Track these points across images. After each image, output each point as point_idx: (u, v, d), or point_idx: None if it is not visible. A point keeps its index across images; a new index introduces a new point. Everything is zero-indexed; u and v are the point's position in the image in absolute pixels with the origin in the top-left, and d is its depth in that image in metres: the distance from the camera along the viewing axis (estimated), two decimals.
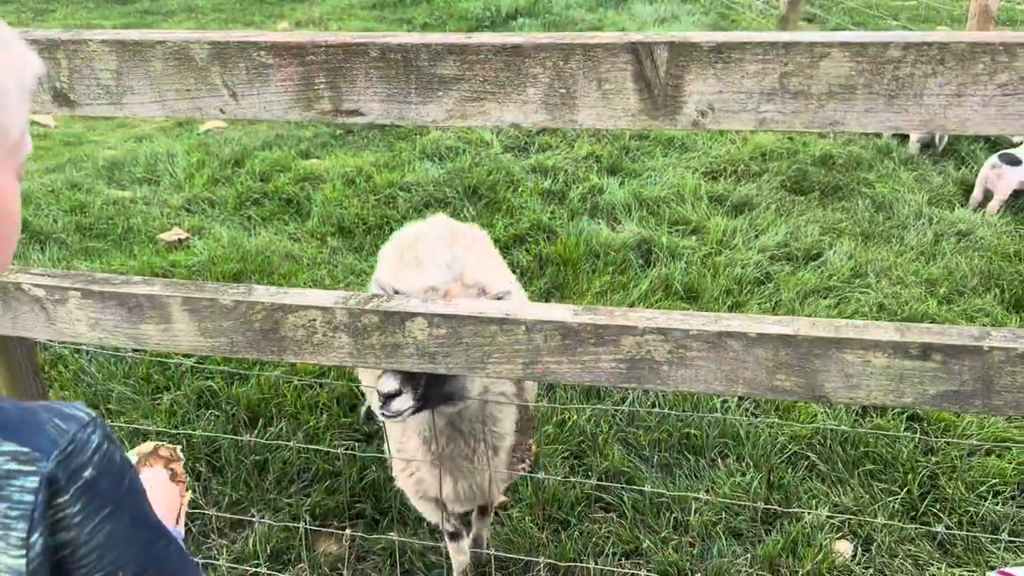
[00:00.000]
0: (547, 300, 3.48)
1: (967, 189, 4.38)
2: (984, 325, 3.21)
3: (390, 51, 1.20)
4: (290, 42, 1.22)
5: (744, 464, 2.60)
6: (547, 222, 3.99)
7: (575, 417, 2.75)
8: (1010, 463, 2.54)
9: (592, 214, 4.14)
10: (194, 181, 4.48)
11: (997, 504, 2.42)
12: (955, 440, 2.62)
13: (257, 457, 2.61)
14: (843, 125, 1.13)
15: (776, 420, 2.73)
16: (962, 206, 4.21)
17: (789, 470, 2.57)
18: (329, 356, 1.47)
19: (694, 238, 3.88)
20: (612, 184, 4.38)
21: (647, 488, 2.40)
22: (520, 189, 4.32)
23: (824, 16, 7.35)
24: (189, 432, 2.68)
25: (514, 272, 3.66)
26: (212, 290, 1.48)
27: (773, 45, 1.10)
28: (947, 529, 2.35)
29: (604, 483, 2.49)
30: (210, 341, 1.51)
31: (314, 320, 1.44)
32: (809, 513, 2.40)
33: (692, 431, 2.68)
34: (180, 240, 3.88)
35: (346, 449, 2.57)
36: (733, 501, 2.42)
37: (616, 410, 2.77)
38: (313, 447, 2.54)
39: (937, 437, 2.63)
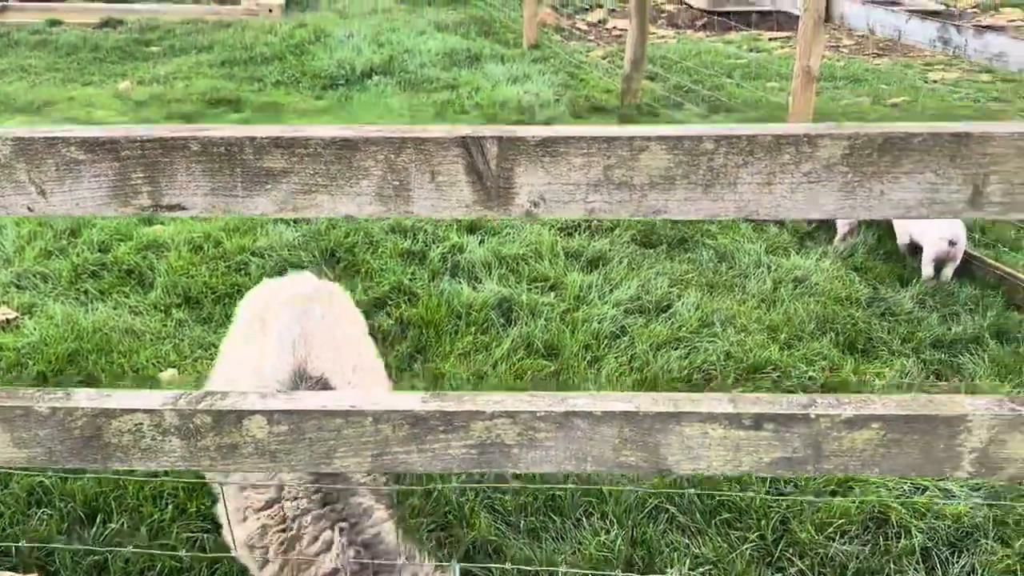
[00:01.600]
0: (410, 365, 3.43)
1: (801, 237, 4.69)
2: (822, 367, 3.42)
3: (212, 145, 1.16)
4: (103, 137, 1.16)
5: (608, 521, 2.62)
6: (408, 284, 3.96)
7: (441, 486, 2.70)
8: (853, 502, 2.69)
9: (453, 273, 4.15)
10: (24, 255, 4.17)
11: (844, 543, 2.55)
12: (800, 484, 2.76)
13: (96, 558, 2.40)
14: (666, 213, 1.17)
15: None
16: (797, 253, 4.50)
17: (651, 524, 2.62)
18: (159, 461, 1.37)
19: (552, 294, 3.95)
20: (472, 242, 4.41)
21: (508, 565, 2.38)
22: (380, 250, 4.27)
23: (665, 75, 7.78)
24: (17, 534, 2.44)
25: (375, 337, 3.60)
26: (26, 397, 1.36)
27: (596, 139, 1.14)
28: (800, 573, 2.45)
29: (469, 564, 2.45)
30: (25, 452, 1.38)
31: (141, 424, 1.35)
32: (670, 570, 2.44)
33: (557, 492, 2.69)
34: (8, 320, 3.58)
35: (193, 544, 2.41)
36: (597, 572, 2.43)
37: (481, 477, 2.74)
38: (154, 549, 2.37)
39: (784, 482, 2.75)
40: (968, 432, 1.29)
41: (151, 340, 3.51)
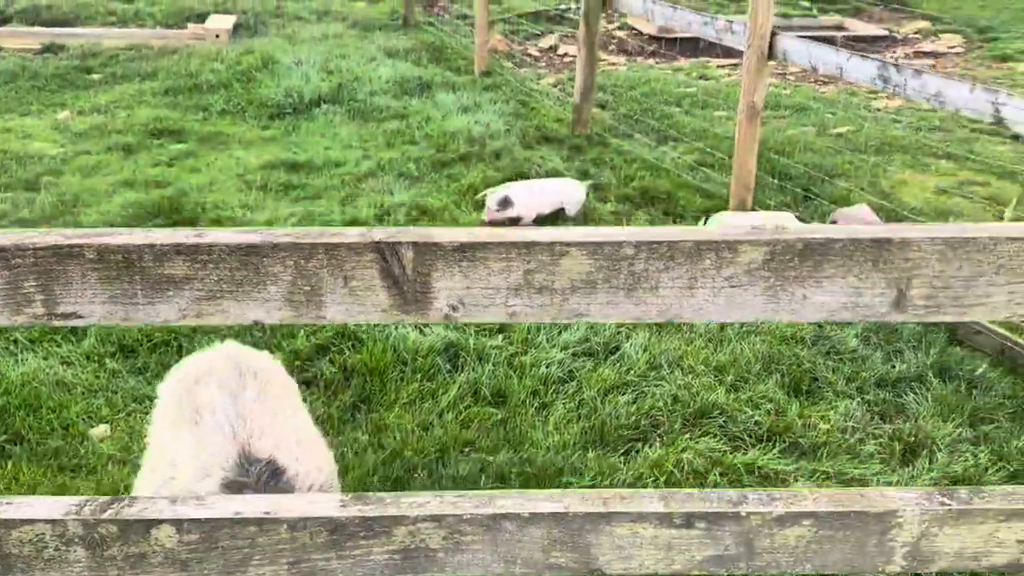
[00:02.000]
0: (353, 416, 3.36)
1: None
2: (768, 411, 3.42)
3: (109, 253, 1.09)
4: None
5: None
6: (352, 329, 3.89)
7: None
8: None
9: None
10: None
11: None
12: None
13: None
14: (588, 316, 1.14)
15: None
16: None
17: None
18: (63, 571, 1.29)
19: (500, 337, 3.91)
20: None
21: None
22: None
23: (615, 104, 7.83)
24: None
25: (318, 387, 3.52)
26: None
27: (515, 245, 1.10)
28: None
29: None
30: None
31: (43, 535, 1.27)
32: None
33: None
34: None
35: None
36: None
37: None
38: None
39: None
40: (899, 527, 1.27)
41: (82, 393, 3.38)
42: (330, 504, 1.29)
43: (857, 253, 1.10)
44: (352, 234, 1.11)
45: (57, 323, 1.13)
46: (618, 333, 3.97)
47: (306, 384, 3.52)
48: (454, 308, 1.14)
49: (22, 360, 3.59)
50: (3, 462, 2.97)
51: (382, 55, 9.13)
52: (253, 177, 5.86)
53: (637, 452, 3.12)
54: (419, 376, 3.55)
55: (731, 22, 5.41)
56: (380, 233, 1.11)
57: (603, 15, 6.80)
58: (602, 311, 1.13)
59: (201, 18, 11.05)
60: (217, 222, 5.11)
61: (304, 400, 3.38)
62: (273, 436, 2.01)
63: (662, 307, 1.13)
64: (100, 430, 3.22)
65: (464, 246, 1.10)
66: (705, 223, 5.41)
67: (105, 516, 1.26)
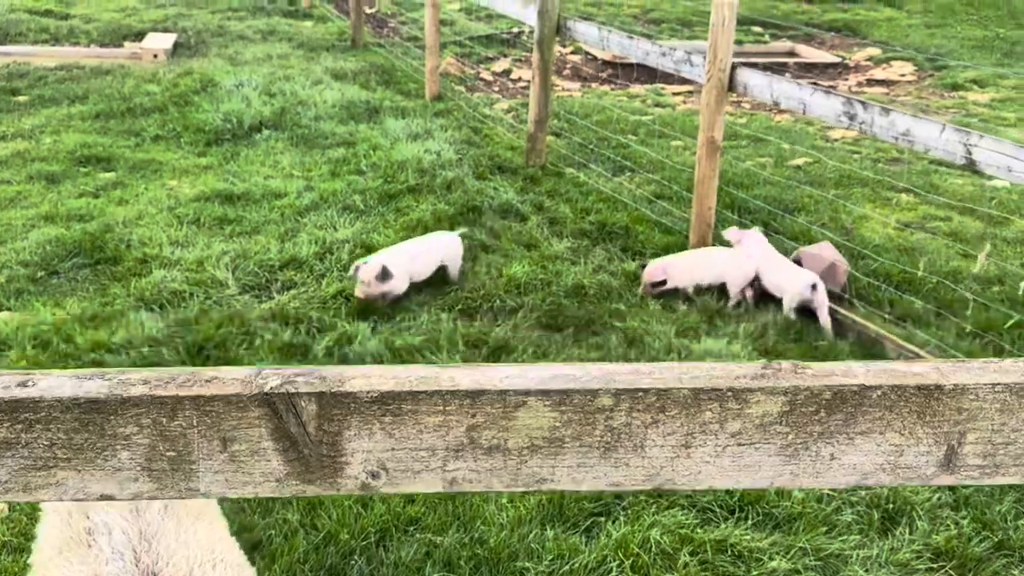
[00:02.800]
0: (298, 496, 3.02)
1: (710, 315, 4.52)
2: None
3: None
4: None
5: None
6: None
7: None
8: None
9: None
10: None
11: None
12: None
13: None
14: (553, 482, 0.87)
15: None
16: (708, 334, 4.31)
17: None
18: None
19: None
20: (363, 329, 4.05)
21: None
22: (255, 343, 3.86)
23: (570, 132, 7.63)
24: None
25: None
26: None
27: (455, 394, 0.83)
28: None
29: None
30: None
31: None
32: None
33: None
34: None
35: None
36: None
37: None
38: None
39: None
40: None
41: None
42: None
43: (900, 404, 0.85)
44: (233, 381, 0.82)
45: None
46: None
47: None
48: (374, 475, 0.86)
49: None
50: None
51: (329, 77, 8.82)
52: (185, 211, 5.49)
53: (600, 530, 2.85)
54: None
55: (689, 53, 5.24)
56: (272, 379, 0.83)
57: (557, 39, 6.60)
58: (571, 475, 0.87)
59: (139, 37, 10.61)
60: (143, 261, 4.74)
61: None
62: (184, 559, 1.70)
63: (649, 470, 0.87)
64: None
65: (386, 397, 0.82)
66: None
67: None
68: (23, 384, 0.81)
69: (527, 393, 0.83)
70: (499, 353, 3.95)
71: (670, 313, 4.46)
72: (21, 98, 8.08)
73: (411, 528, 2.85)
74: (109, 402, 0.80)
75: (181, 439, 0.82)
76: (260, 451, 0.84)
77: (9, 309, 4.20)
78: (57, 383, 0.81)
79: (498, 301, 4.42)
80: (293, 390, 0.82)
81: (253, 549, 2.71)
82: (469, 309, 4.35)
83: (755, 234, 4.90)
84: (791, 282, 4.52)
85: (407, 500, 2.96)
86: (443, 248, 4.64)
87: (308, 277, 4.65)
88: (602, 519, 2.91)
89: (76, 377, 0.82)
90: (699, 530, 2.84)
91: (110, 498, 0.85)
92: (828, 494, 3.08)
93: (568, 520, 2.90)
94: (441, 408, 0.83)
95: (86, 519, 1.76)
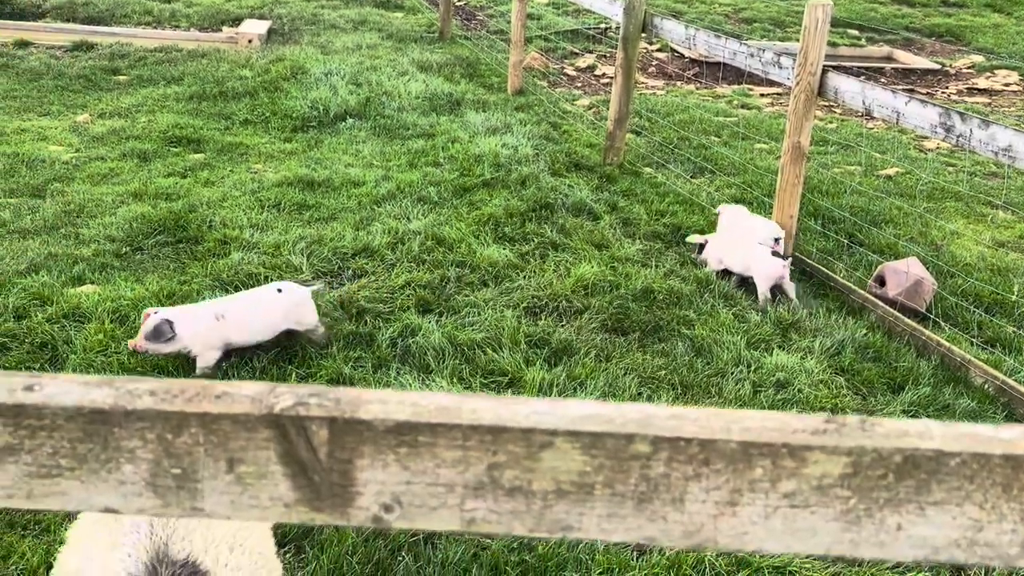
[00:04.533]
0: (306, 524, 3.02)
1: (784, 328, 4.34)
2: None
3: None
4: None
5: None
6: (349, 374, 3.57)
7: None
8: None
9: (403, 360, 3.76)
10: None
11: None
12: None
13: None
14: (580, 531, 0.79)
15: None
16: (780, 348, 4.14)
17: None
18: None
19: (510, 392, 3.56)
20: (428, 323, 4.03)
21: None
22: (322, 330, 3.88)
23: (650, 131, 7.47)
24: None
25: None
26: None
27: (476, 429, 0.76)
28: None
29: None
30: None
31: None
32: None
33: None
34: None
35: None
36: None
37: None
38: None
39: None
40: None
41: None
42: None
43: (982, 473, 0.74)
44: (243, 399, 0.77)
45: None
46: (639, 393, 3.61)
47: None
48: (387, 508, 0.80)
49: None
50: None
51: (415, 69, 8.86)
52: (267, 195, 5.58)
53: (653, 547, 2.75)
54: None
55: (779, 55, 5.04)
56: (284, 398, 0.77)
57: (643, 36, 6.45)
58: (600, 526, 0.79)
59: (237, 22, 10.89)
60: (223, 242, 4.84)
61: None
62: (201, 538, 1.72)
63: (689, 527, 0.78)
64: None
65: (403, 427, 0.76)
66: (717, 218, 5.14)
67: None
68: (29, 388, 0.78)
69: (555, 433, 0.76)
70: (561, 354, 3.87)
71: (742, 323, 4.29)
72: (121, 77, 8.38)
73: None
74: (114, 413, 0.77)
75: (187, 457, 0.78)
76: (268, 475, 0.79)
77: (93, 283, 4.33)
78: (63, 389, 0.78)
79: (564, 301, 4.34)
80: (305, 413, 0.76)
81: (304, 537, 2.72)
82: (534, 307, 4.29)
83: (733, 208, 5.04)
84: (764, 265, 4.57)
85: None
86: (283, 308, 3.66)
87: (379, 266, 4.66)
88: None
89: (84, 384, 0.79)
90: (757, 555, 2.71)
91: (115, 511, 0.81)
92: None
93: None
94: (461, 443, 0.77)
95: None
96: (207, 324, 3.51)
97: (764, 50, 5.26)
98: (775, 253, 4.60)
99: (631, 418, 0.77)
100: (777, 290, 4.61)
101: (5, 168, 5.84)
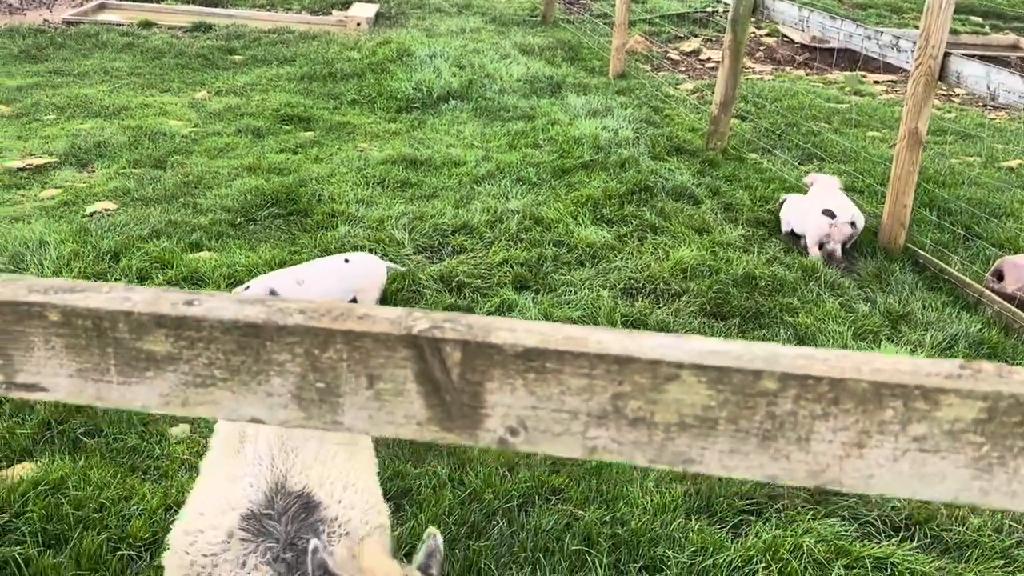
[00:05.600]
0: (437, 445, 3.10)
1: (894, 320, 4.18)
2: None
3: (77, 316, 0.85)
4: None
5: None
6: None
7: None
8: None
9: None
10: (61, 276, 4.03)
11: None
12: None
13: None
14: (701, 465, 0.81)
15: None
16: (889, 340, 4.00)
17: None
18: None
19: None
20: (524, 300, 4.07)
21: None
22: (423, 303, 3.98)
23: (757, 116, 7.30)
24: None
25: None
26: None
27: (602, 358, 0.78)
28: None
29: None
30: None
31: None
32: None
33: None
34: None
35: None
36: None
37: None
38: None
39: None
40: None
41: None
42: None
43: None
44: (383, 321, 0.82)
45: (17, 394, 0.90)
46: None
47: None
48: (513, 432, 0.83)
49: None
50: (76, 455, 2.89)
51: (516, 52, 8.90)
52: (372, 172, 5.74)
53: (749, 528, 2.72)
54: None
55: (897, 38, 4.84)
56: (421, 322, 0.81)
57: (752, 20, 6.30)
58: (722, 461, 0.80)
59: (346, 6, 11.18)
60: (330, 215, 5.00)
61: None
62: (317, 474, 1.81)
63: (813, 467, 0.78)
64: (180, 430, 3.10)
65: (531, 353, 0.79)
66: (780, 204, 5.14)
67: None
68: (189, 303, 0.85)
69: (681, 366, 0.77)
70: None
71: (848, 313, 4.17)
72: (237, 57, 8.73)
73: (553, 498, 2.84)
74: (266, 328, 0.82)
75: (330, 372, 0.83)
76: (404, 392, 0.83)
77: (209, 249, 4.56)
78: (220, 305, 0.84)
79: (662, 283, 4.30)
80: (440, 335, 0.80)
81: (403, 496, 2.81)
82: (631, 289, 4.27)
83: (825, 178, 5.14)
84: (813, 223, 4.73)
85: (552, 470, 2.96)
86: (356, 274, 3.78)
87: (477, 243, 4.73)
88: (752, 518, 2.77)
89: (239, 302, 0.85)
90: (858, 544, 2.64)
91: (260, 422, 0.87)
92: (1010, 525, 2.78)
93: (715, 514, 2.79)
94: (587, 371, 0.79)
95: (243, 429, 1.90)
96: (291, 289, 3.64)
97: (881, 32, 5.06)
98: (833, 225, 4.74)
99: (759, 355, 0.77)
100: (832, 251, 4.76)
101: (130, 140, 6.19)
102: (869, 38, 5.05)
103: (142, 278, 4.11)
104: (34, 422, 3.01)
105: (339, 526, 1.74)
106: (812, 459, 0.78)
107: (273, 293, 3.53)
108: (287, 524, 1.69)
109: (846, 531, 2.71)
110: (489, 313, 3.94)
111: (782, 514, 2.80)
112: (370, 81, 7.91)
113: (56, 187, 5.39)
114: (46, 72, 7.83)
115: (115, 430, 3.04)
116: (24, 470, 2.80)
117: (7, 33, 8.97)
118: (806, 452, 0.78)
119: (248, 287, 3.59)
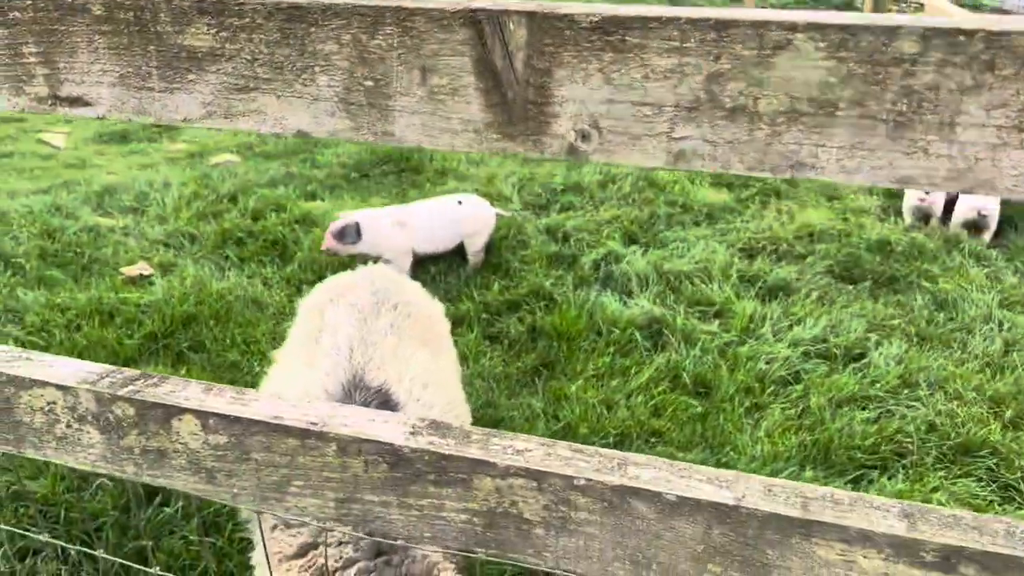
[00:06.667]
0: (534, 380, 3.00)
1: None
2: None
3: (118, 8, 0.78)
4: None
5: None
6: (548, 288, 3.53)
7: None
8: None
9: (604, 284, 3.67)
10: (180, 215, 4.17)
11: None
12: None
13: (142, 543, 2.17)
14: (815, 169, 0.66)
15: None
16: None
17: None
18: (78, 456, 1.03)
19: (716, 322, 3.37)
20: (632, 253, 3.91)
21: None
22: (527, 250, 3.88)
23: None
24: (70, 501, 2.27)
25: (502, 344, 3.20)
26: None
27: (696, 25, 0.64)
28: None
29: None
30: None
31: (54, 403, 1.01)
32: None
33: None
34: (141, 275, 3.54)
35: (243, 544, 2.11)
36: None
37: None
38: (202, 546, 2.09)
39: None
40: None
41: (273, 315, 3.32)
42: (396, 428, 0.91)
43: None
44: None
45: (62, 109, 0.85)
46: (866, 338, 3.27)
47: (490, 340, 3.22)
48: (584, 136, 0.70)
49: (226, 275, 3.61)
50: (180, 367, 2.95)
51: None
52: None
53: (871, 483, 2.47)
54: (612, 349, 3.12)
55: None
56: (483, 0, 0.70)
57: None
58: (841, 161, 0.65)
59: None
60: (441, 172, 5.00)
61: (485, 356, 3.08)
62: (395, 370, 1.71)
63: (959, 163, 0.62)
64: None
65: (609, 23, 0.66)
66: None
67: (123, 392, 0.97)
68: None
69: (794, 28, 0.62)
70: (777, 292, 3.60)
71: (995, 283, 3.78)
72: None
73: (653, 440, 2.67)
74: (311, 9, 0.73)
75: (380, 64, 0.73)
76: (460, 90, 0.72)
77: (323, 199, 4.62)
78: None
79: (785, 245, 4.04)
80: (502, 7, 0.69)
81: (495, 426, 2.71)
82: (750, 248, 4.03)
83: None
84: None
85: (652, 413, 2.79)
86: (462, 218, 3.70)
87: (587, 203, 4.59)
88: (875, 472, 2.52)
89: None
90: (996, 506, 2.35)
91: (306, 135, 0.78)
92: None
93: (834, 467, 2.54)
94: (677, 44, 0.65)
95: (321, 321, 1.84)
96: (388, 229, 3.57)
97: None
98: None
99: (893, 18, 0.62)
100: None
101: None
102: None
103: (256, 218, 4.19)
104: (142, 333, 3.09)
105: None
106: (957, 151, 0.62)
107: (345, 231, 3.53)
108: None
109: (982, 492, 2.42)
110: (595, 261, 3.80)
111: (909, 471, 2.53)
112: None
113: (184, 141, 5.62)
114: None
115: (217, 347, 3.08)
116: None
117: None
118: (949, 143, 0.62)
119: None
